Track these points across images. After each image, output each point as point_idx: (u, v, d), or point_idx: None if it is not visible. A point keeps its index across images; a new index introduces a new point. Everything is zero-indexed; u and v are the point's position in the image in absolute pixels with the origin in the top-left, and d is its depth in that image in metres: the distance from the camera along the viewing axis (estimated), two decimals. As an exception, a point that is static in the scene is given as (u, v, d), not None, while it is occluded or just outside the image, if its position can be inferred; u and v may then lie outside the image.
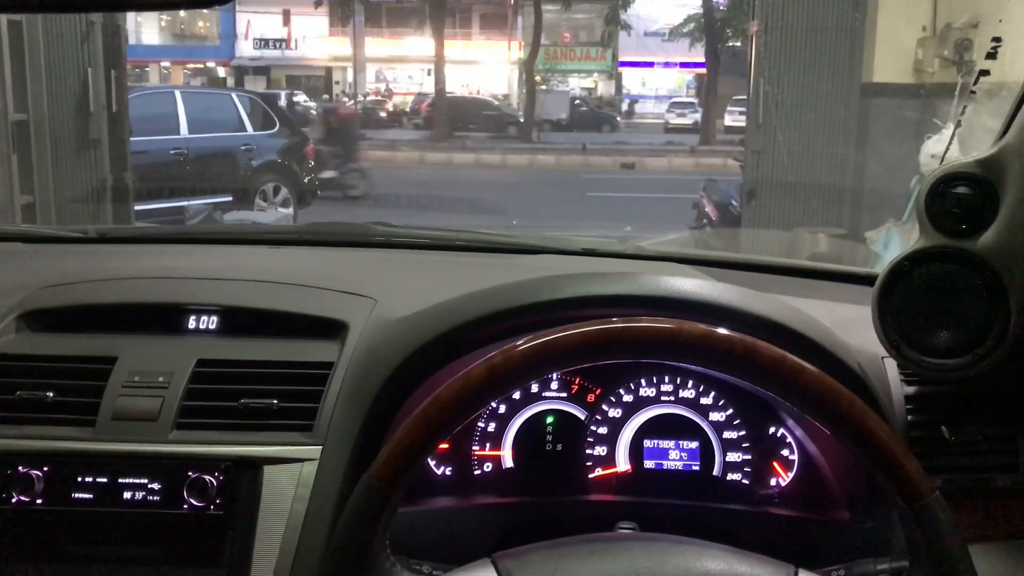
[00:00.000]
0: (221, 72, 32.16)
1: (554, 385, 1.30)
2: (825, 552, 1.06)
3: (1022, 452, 1.16)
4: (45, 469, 1.10)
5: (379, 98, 28.60)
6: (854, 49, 6.19)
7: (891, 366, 1.21)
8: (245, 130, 9.52)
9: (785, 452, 1.28)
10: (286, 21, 31.05)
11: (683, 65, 31.49)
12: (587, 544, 0.90)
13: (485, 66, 32.17)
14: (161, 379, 1.18)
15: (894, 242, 4.32)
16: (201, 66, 32.88)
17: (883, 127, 6.19)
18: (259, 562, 1.06)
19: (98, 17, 6.07)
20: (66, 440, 1.13)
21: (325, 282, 1.37)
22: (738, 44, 21.44)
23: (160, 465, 1.11)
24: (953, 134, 1.58)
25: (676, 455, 1.29)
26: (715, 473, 1.28)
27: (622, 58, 31.88)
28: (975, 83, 1.62)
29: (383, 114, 24.04)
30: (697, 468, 1.28)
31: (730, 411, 1.28)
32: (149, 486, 1.10)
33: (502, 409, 1.30)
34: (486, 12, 32.08)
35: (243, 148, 9.32)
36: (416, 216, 9.46)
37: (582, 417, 1.30)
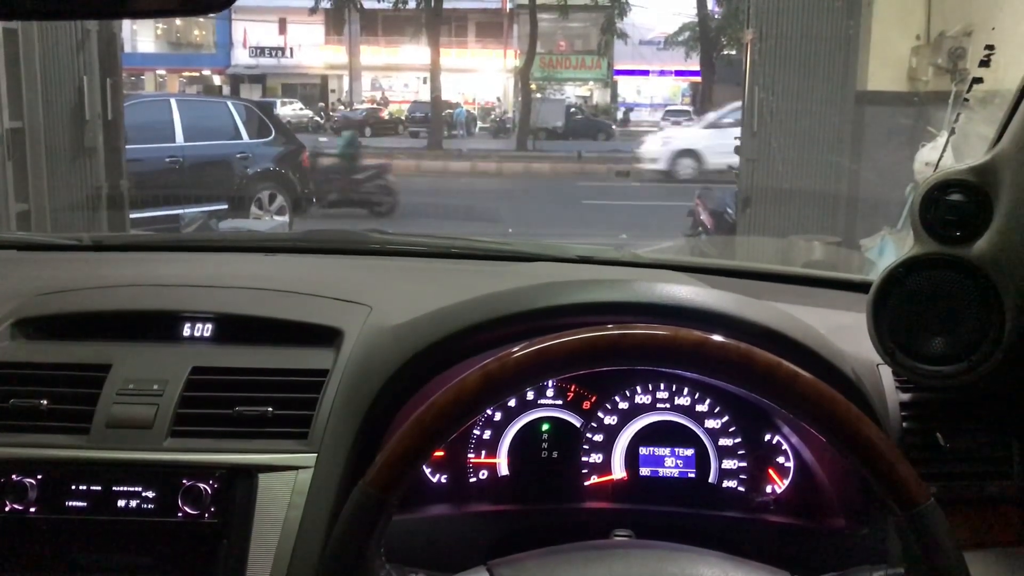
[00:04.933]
0: (217, 80, 32.17)
1: (550, 392, 1.30)
2: (821, 559, 1.05)
3: (1017, 459, 1.16)
4: (39, 477, 1.09)
5: (375, 106, 28.63)
6: (848, 57, 6.21)
7: (886, 373, 1.21)
8: (241, 138, 9.55)
9: (781, 459, 1.28)
10: (282, 29, 31.12)
11: (678, 73, 31.61)
12: (583, 552, 0.90)
13: (481, 74, 32.23)
14: (156, 387, 1.17)
15: (889, 249, 4.32)
16: (197, 74, 32.90)
17: (877, 135, 6.21)
18: (254, 570, 1.06)
19: (94, 25, 6.06)
20: (60, 448, 1.12)
21: (320, 289, 1.37)
22: (733, 52, 21.51)
23: (154, 473, 1.10)
24: (947, 142, 1.59)
25: (672, 462, 1.29)
26: (711, 480, 1.28)
27: (617, 66, 31.95)
28: (968, 91, 1.62)
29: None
30: (693, 475, 1.28)
31: (726, 418, 1.28)
32: (143, 494, 1.09)
33: (497, 416, 1.30)
34: (482, 20, 32.15)
35: (239, 156, 9.34)
36: (412, 224, 9.46)
37: (578, 424, 1.29)
